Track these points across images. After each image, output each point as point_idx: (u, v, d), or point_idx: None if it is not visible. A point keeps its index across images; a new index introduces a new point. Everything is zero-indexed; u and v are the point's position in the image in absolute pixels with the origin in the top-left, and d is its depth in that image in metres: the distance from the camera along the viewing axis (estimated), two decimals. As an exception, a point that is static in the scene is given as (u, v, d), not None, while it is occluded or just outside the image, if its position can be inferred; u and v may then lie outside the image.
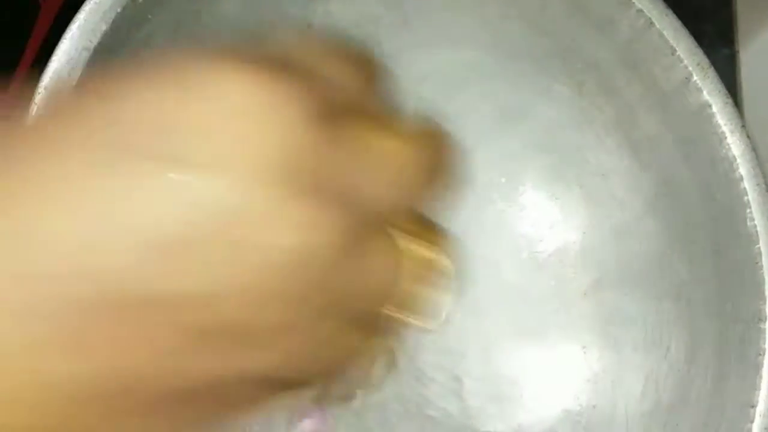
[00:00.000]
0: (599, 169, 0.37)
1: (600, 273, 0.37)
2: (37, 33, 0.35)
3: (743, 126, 0.33)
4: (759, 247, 0.32)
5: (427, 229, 0.21)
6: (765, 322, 0.32)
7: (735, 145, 0.33)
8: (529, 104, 0.37)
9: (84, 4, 0.27)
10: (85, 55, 0.27)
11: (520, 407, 0.36)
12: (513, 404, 0.36)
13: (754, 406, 0.31)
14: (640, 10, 0.33)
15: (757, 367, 0.31)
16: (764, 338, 0.32)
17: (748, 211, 0.32)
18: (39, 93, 0.26)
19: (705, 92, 0.33)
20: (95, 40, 0.27)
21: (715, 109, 0.33)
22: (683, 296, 0.35)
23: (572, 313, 0.37)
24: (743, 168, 0.33)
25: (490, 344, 0.37)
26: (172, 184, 0.14)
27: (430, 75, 0.37)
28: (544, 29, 0.35)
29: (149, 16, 0.28)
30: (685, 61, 0.33)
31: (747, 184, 0.33)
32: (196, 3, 0.30)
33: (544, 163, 0.38)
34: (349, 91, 0.17)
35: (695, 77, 0.33)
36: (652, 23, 0.33)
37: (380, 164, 0.16)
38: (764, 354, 0.32)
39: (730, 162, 0.33)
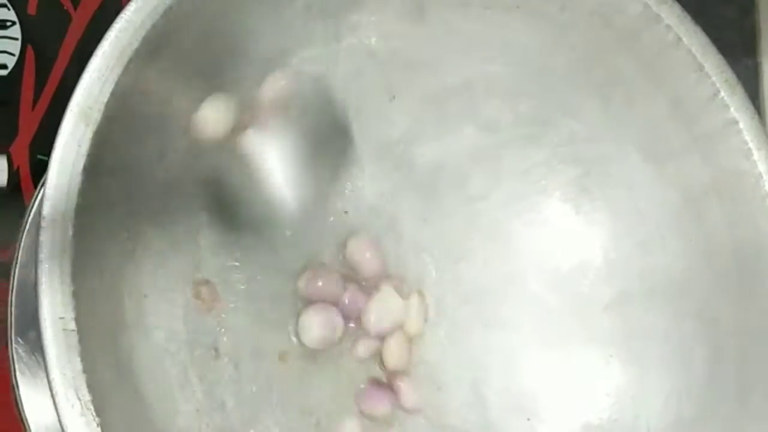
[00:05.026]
0: (623, 182, 0.37)
1: (623, 287, 0.37)
2: (68, 43, 0.36)
3: (771, 143, 0.33)
4: (784, 265, 0.32)
5: None
6: (789, 339, 0.32)
7: (761, 161, 0.33)
8: (554, 117, 0.37)
9: (116, 21, 0.27)
10: (117, 71, 0.27)
11: (541, 420, 0.36)
12: (534, 417, 0.36)
13: (776, 425, 0.31)
14: (668, 26, 0.33)
15: (781, 385, 0.31)
16: (788, 356, 0.32)
17: (774, 228, 0.32)
18: (71, 110, 0.26)
19: (732, 109, 0.33)
20: (127, 57, 0.27)
21: (742, 125, 0.33)
22: (706, 311, 0.34)
23: (594, 326, 0.37)
24: (770, 185, 0.33)
25: (512, 356, 0.37)
26: None
27: (454, 88, 0.37)
28: (570, 43, 0.35)
29: (177, 32, 0.29)
30: (713, 78, 0.33)
31: (774, 202, 0.32)
32: (222, 19, 0.31)
33: (568, 176, 0.38)
34: None
35: (723, 94, 0.33)
36: (680, 39, 0.33)
37: None
38: (788, 372, 0.32)
39: (756, 178, 0.33)
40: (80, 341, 0.26)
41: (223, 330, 0.34)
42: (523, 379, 0.37)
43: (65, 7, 0.36)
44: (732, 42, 0.47)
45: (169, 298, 0.33)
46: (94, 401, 0.26)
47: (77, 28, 0.36)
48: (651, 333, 0.36)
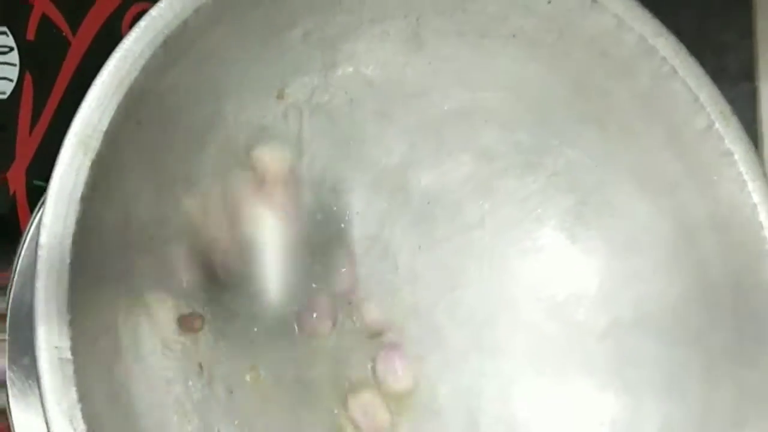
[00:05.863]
0: (619, 211, 0.37)
1: (617, 315, 0.37)
2: (66, 69, 0.36)
3: (765, 174, 0.33)
4: (778, 296, 0.32)
5: None
6: (784, 370, 0.32)
7: (756, 192, 0.33)
8: (550, 145, 0.37)
9: (115, 50, 0.27)
10: (116, 100, 0.27)
11: (536, 449, 0.36)
12: (529, 445, 0.36)
13: (771, 456, 0.31)
14: (663, 58, 0.33)
15: (776, 416, 0.31)
16: (783, 386, 0.32)
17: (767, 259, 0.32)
18: (69, 139, 0.26)
19: (727, 140, 0.33)
20: (125, 86, 0.27)
21: (737, 157, 0.33)
22: (701, 342, 0.34)
23: (589, 354, 0.37)
24: (764, 215, 0.33)
25: (507, 384, 0.37)
26: None
27: (451, 116, 0.37)
28: (566, 73, 0.35)
29: (177, 62, 0.29)
30: (708, 109, 0.33)
31: (768, 233, 0.33)
32: (222, 46, 0.31)
33: (564, 204, 0.38)
34: None
35: (717, 125, 0.33)
36: (675, 71, 0.33)
37: None
38: (782, 403, 0.32)
39: (751, 209, 0.33)
40: (76, 371, 0.26)
41: (217, 357, 0.34)
42: (518, 407, 0.37)
43: (64, 33, 0.36)
44: (730, 66, 0.47)
45: (163, 326, 0.33)
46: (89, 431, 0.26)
47: (76, 54, 0.36)
48: (646, 362, 0.36)
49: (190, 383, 0.33)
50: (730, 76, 0.47)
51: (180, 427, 0.32)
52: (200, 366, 0.34)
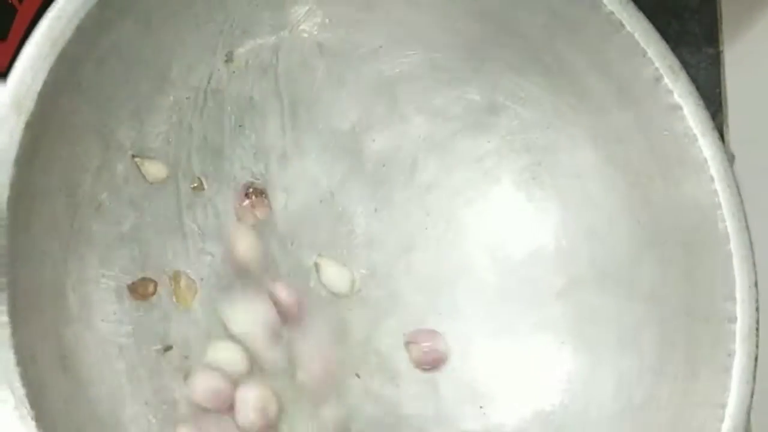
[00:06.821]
0: (573, 169, 0.37)
1: (574, 273, 0.37)
2: (12, 36, 0.35)
3: (714, 128, 0.33)
4: (730, 248, 0.32)
5: None
6: (735, 323, 0.32)
7: (706, 146, 0.33)
8: (502, 105, 0.37)
9: (48, 10, 0.27)
10: (50, 61, 0.27)
11: (494, 407, 0.36)
12: (487, 404, 0.36)
13: (723, 407, 0.31)
14: (611, 12, 0.33)
15: (727, 369, 0.32)
16: (734, 339, 0.32)
17: (719, 212, 0.33)
18: (2, 101, 0.26)
19: (676, 94, 0.33)
20: (59, 47, 0.27)
21: (686, 111, 0.33)
22: (656, 297, 0.35)
23: (546, 313, 0.37)
24: (714, 169, 0.33)
25: (466, 343, 0.37)
26: None
27: (403, 77, 0.37)
28: (515, 30, 0.35)
29: (115, 23, 0.29)
30: (656, 63, 0.33)
31: (718, 185, 0.33)
32: (164, 8, 0.31)
33: (519, 164, 0.38)
34: None
35: (666, 79, 0.33)
36: (622, 25, 0.33)
37: None
38: (734, 355, 0.32)
39: (701, 163, 0.33)
40: (13, 334, 0.25)
41: (171, 323, 0.34)
42: (477, 367, 0.37)
43: (10, 1, 0.35)
44: (694, 31, 0.47)
45: (115, 291, 0.32)
46: (29, 395, 0.25)
47: (22, 22, 0.35)
48: (602, 318, 0.36)
49: (144, 349, 0.33)
50: (694, 41, 0.47)
51: (133, 395, 0.32)
52: (154, 333, 0.34)
